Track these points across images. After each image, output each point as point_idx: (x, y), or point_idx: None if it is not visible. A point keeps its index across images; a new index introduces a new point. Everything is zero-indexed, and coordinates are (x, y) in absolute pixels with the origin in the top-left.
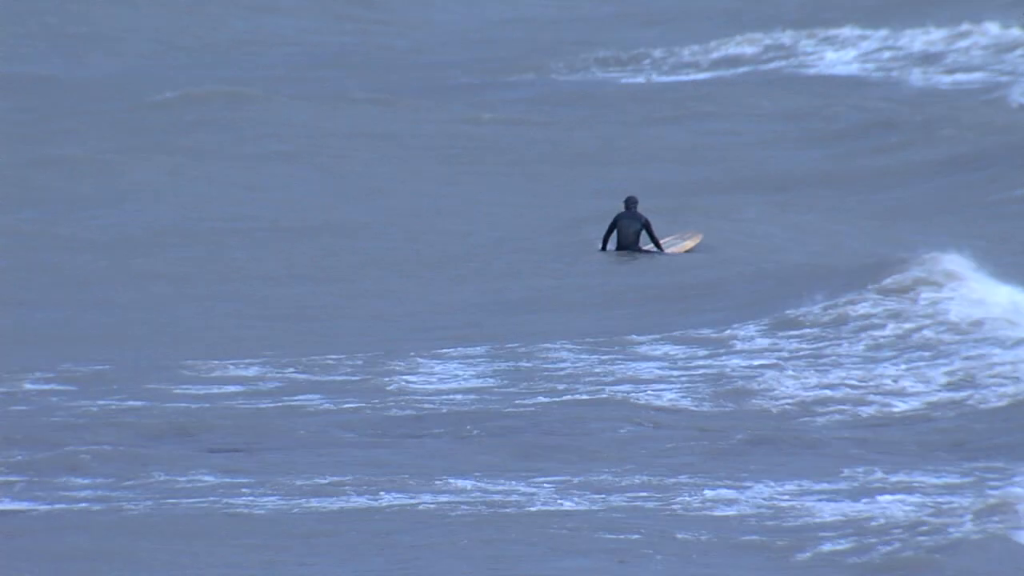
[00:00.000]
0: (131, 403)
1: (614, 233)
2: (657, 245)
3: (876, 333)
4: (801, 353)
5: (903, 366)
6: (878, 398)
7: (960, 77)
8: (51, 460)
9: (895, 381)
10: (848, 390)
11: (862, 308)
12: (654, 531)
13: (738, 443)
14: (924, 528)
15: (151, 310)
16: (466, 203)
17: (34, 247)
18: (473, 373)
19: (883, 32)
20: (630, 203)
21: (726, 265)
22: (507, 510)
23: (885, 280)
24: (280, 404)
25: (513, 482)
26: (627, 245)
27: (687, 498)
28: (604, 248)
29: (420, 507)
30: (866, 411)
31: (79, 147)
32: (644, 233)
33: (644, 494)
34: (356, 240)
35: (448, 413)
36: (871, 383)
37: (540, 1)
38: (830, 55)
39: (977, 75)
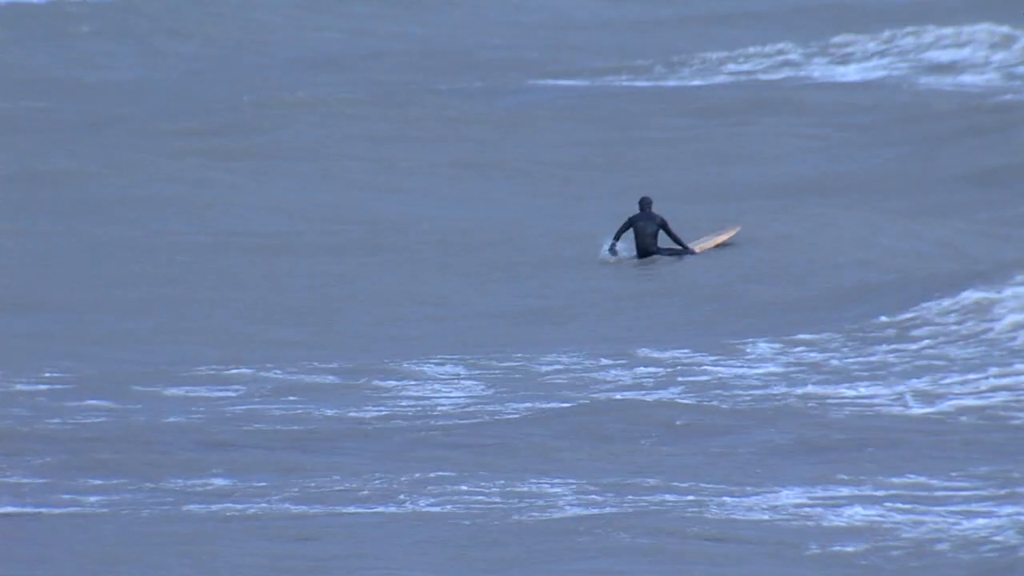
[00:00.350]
0: (139, 405)
1: (630, 239)
2: (680, 244)
3: (908, 347)
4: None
5: (952, 376)
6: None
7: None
8: (62, 462)
9: (945, 387)
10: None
11: (922, 314)
12: (668, 531)
13: (777, 446)
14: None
15: (158, 313)
16: (479, 208)
17: (47, 250)
18: (482, 377)
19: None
20: (644, 204)
21: (772, 269)
22: (524, 514)
23: (952, 291)
24: (289, 407)
25: (527, 485)
26: (646, 247)
27: (702, 499)
28: (613, 248)
29: (432, 510)
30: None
31: (103, 153)
32: (663, 235)
33: (658, 497)
34: (362, 244)
35: (458, 417)
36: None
37: (554, 5)
38: (855, 62)
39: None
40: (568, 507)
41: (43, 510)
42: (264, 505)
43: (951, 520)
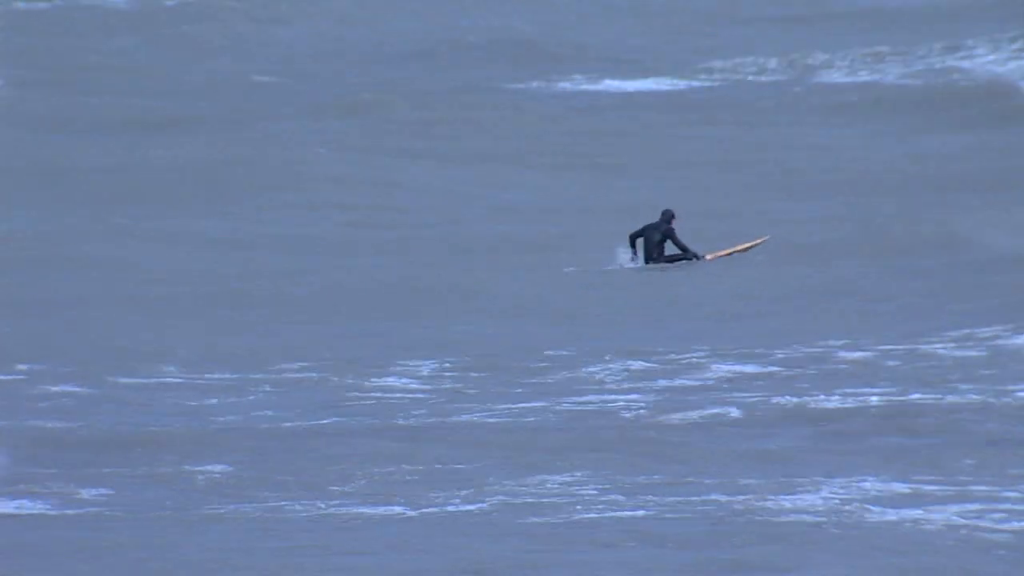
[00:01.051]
0: (143, 406)
1: (641, 245)
2: (684, 250)
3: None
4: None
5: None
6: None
7: None
8: (68, 462)
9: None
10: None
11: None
12: (690, 530)
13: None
14: None
15: (159, 313)
16: (498, 205)
17: (53, 245)
18: (485, 376)
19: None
20: (662, 214)
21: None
22: (542, 513)
23: None
24: (295, 406)
25: (540, 484)
26: (648, 253)
27: (730, 498)
28: (632, 245)
29: (433, 510)
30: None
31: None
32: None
33: (677, 497)
34: (361, 241)
35: (460, 416)
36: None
37: (578, 8)
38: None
39: None
40: (583, 508)
41: (42, 509)
42: (263, 504)
43: (996, 518)
